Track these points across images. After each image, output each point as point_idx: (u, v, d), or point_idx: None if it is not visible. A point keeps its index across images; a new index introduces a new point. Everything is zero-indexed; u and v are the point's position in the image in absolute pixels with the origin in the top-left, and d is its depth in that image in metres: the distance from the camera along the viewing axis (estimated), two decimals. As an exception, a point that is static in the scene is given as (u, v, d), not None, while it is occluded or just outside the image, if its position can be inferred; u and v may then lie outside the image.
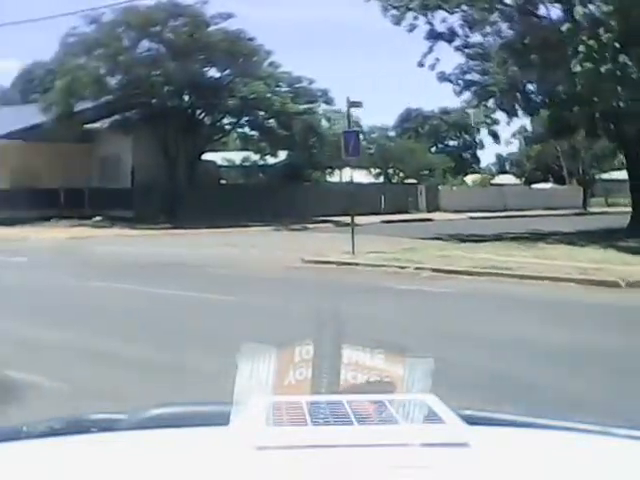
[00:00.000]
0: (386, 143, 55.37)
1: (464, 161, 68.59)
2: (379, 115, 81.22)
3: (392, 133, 64.95)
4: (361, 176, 48.03)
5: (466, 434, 1.20)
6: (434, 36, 23.57)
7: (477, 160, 75.07)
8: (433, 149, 64.94)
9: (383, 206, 41.98)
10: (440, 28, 23.94)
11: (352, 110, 20.17)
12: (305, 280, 14.11)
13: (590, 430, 1.41)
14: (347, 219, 34.24)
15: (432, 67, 24.24)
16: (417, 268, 15.07)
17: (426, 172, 53.40)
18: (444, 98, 79.82)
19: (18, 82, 56.77)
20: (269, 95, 31.74)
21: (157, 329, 8.83)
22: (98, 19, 31.70)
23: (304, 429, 1.19)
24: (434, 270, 14.89)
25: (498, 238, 23.07)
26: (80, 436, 1.35)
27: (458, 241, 22.53)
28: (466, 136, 74.73)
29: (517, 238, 22.51)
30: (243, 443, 1.15)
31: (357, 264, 16.08)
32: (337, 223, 33.76)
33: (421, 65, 24.26)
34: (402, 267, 15.31)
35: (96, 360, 7.21)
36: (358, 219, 34.73)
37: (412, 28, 24.02)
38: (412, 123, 70.43)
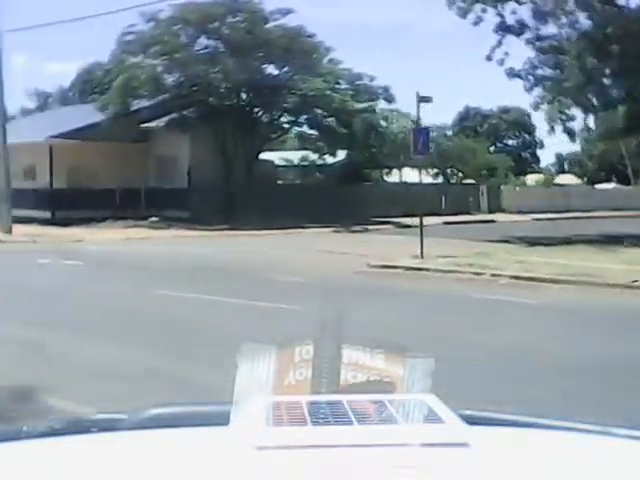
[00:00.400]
0: (444, 142, 54.20)
1: (523, 161, 67.24)
2: (437, 114, 79.85)
3: (450, 132, 63.85)
4: (421, 176, 46.83)
5: (466, 434, 1.20)
6: (504, 29, 22.42)
7: (537, 160, 73.62)
8: (492, 148, 63.62)
9: (444, 207, 40.97)
10: (509, 20, 22.79)
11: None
12: (374, 287, 13.16)
13: (590, 430, 1.40)
14: (407, 220, 33.40)
15: (501, 62, 23.12)
16: (493, 275, 14.05)
17: (485, 172, 52.11)
18: (504, 96, 78.44)
19: (77, 83, 56.89)
20: (329, 92, 30.78)
21: (221, 345, 7.98)
22: (155, 16, 31.15)
23: (304, 429, 1.18)
24: (512, 277, 13.86)
25: (569, 241, 21.93)
26: (80, 436, 1.34)
27: (527, 244, 21.45)
28: (525, 135, 73.28)
29: (591, 241, 21.34)
30: (243, 443, 1.15)
31: (427, 269, 15.11)
32: (397, 224, 32.83)
33: (489, 59, 23.16)
34: (477, 273, 14.31)
35: (159, 387, 6.39)
36: (416, 220, 33.86)
37: (478, 21, 22.94)
38: (471, 122, 69.36)
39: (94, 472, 1.17)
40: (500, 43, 22.63)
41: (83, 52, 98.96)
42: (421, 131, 16.59)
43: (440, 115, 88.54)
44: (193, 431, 1.34)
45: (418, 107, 15.95)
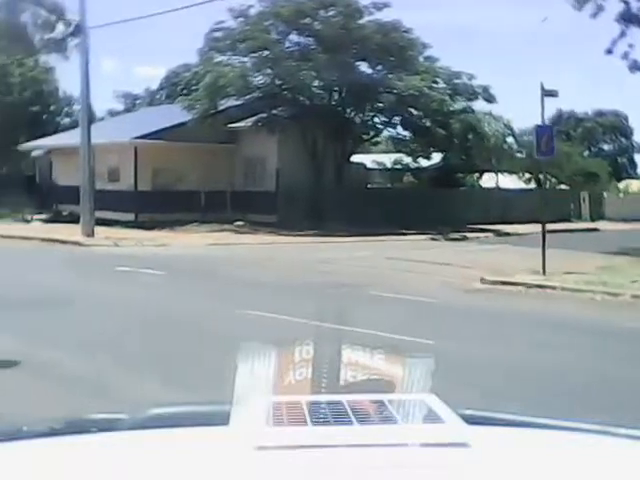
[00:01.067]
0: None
1: (620, 166, 64.39)
2: (528, 118, 76.92)
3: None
4: (511, 181, 45.02)
5: (466, 434, 1.20)
6: (628, 18, 20.19)
7: (634, 165, 70.58)
8: (586, 153, 60.91)
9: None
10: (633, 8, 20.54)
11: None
12: (497, 309, 11.25)
13: (590, 430, 1.40)
14: (506, 228, 31.42)
15: (625, 55, 20.89)
16: (635, 296, 12.03)
17: (580, 177, 49.47)
18: (599, 99, 75.40)
19: (165, 85, 56.47)
20: (427, 91, 28.83)
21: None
22: (245, 12, 29.83)
23: (304, 429, 1.19)
24: (658, 300, 11.83)
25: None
26: (80, 436, 1.34)
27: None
28: (622, 139, 70.33)
29: None
30: (243, 443, 1.15)
31: (553, 287, 13.14)
32: (496, 232, 30.88)
33: (609, 52, 20.98)
34: (613, 294, 12.31)
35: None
36: (517, 227, 31.86)
37: (597, 11, 20.80)
38: (563, 126, 66.85)
39: (94, 472, 1.16)
40: (623, 34, 20.42)
41: (172, 56, 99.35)
42: (545, 129, 14.59)
43: (534, 119, 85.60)
44: (193, 431, 1.33)
45: (542, 101, 13.98)
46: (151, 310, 10.39)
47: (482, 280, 14.08)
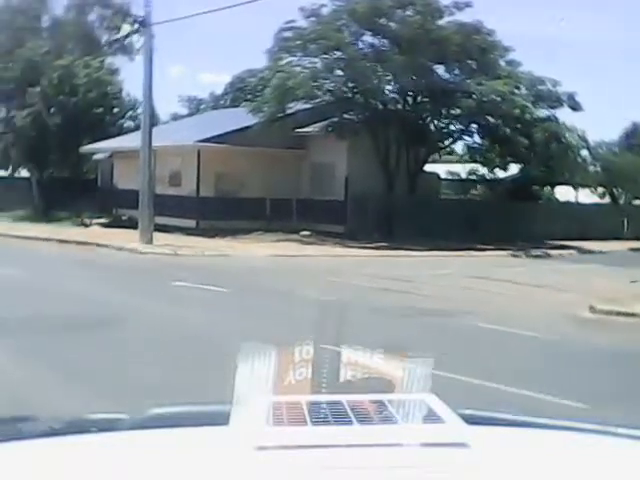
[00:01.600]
0: (612, 160, 49.56)
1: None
2: (606, 130, 73.75)
3: (616, 149, 59.08)
4: (584, 195, 43.02)
5: (466, 434, 1.19)
6: None
7: None
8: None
9: (626, 230, 36.89)
10: None
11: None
12: (624, 349, 9.31)
13: (590, 430, 1.38)
14: (587, 244, 29.35)
15: None
16: None
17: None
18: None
19: (230, 90, 55.48)
20: (509, 97, 26.85)
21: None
22: (317, 12, 28.26)
23: (304, 429, 1.18)
24: None
25: None
26: (80, 436, 1.32)
27: None
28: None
29: None
30: (243, 443, 1.14)
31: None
32: (580, 249, 28.81)
33: None
34: None
35: None
36: (596, 245, 29.74)
37: None
38: (638, 139, 64.09)
39: (94, 472, 1.16)
40: None
41: (237, 64, 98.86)
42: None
43: (610, 131, 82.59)
44: (193, 431, 1.32)
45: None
46: (215, 344, 8.67)
47: (591, 309, 12.21)
